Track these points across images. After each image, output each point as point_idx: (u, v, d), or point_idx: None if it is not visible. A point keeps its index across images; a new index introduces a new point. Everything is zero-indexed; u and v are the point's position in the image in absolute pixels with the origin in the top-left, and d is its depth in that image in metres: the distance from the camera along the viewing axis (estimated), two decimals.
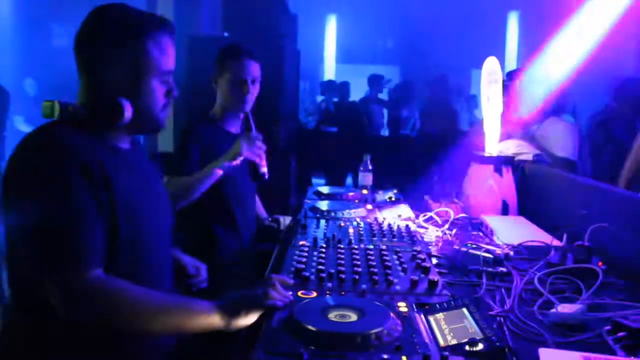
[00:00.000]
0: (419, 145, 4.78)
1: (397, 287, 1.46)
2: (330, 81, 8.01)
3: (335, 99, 7.06)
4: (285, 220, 2.62)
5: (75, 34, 1.33)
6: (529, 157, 2.69)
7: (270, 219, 2.65)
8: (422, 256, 1.72)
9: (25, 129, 7.58)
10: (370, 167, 2.88)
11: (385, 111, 7.08)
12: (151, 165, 1.56)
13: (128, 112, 1.30)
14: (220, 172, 2.13)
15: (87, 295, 1.17)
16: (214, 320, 1.23)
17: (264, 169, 2.18)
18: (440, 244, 1.99)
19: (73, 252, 1.17)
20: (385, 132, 6.88)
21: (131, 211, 1.30)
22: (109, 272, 1.22)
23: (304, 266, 1.57)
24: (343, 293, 1.42)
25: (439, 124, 5.35)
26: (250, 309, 1.24)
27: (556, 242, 1.85)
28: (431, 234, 2.16)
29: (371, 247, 1.84)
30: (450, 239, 2.06)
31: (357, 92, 7.44)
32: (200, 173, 2.15)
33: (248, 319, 1.24)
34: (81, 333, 1.23)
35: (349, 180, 3.27)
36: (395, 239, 1.97)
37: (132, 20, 1.33)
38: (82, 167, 1.21)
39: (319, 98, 8.13)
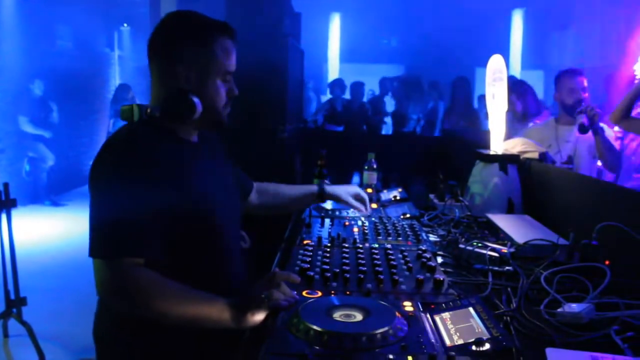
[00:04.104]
0: (424, 143, 4.78)
1: (403, 287, 1.45)
2: (339, 79, 7.96)
3: (347, 97, 7.04)
4: None
5: (149, 37, 1.47)
6: (535, 155, 2.67)
7: None
8: (428, 255, 1.71)
9: (29, 129, 7.59)
10: (375, 166, 2.88)
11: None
12: (220, 158, 1.66)
13: (199, 108, 1.43)
14: None
15: (117, 282, 1.25)
16: (225, 317, 1.25)
17: None
18: (445, 243, 1.98)
19: (114, 240, 1.26)
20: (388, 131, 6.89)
21: (199, 198, 1.41)
22: (178, 259, 1.34)
23: (308, 266, 1.57)
24: (348, 293, 1.41)
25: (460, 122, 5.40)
26: (256, 310, 1.24)
27: (562, 241, 1.84)
28: (436, 232, 2.15)
29: (376, 246, 1.83)
30: (455, 237, 2.05)
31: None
32: None
33: (254, 320, 1.24)
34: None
35: (355, 179, 3.26)
36: (400, 238, 1.96)
37: (204, 24, 1.47)
38: (149, 162, 1.33)
39: (324, 98, 8.11)
